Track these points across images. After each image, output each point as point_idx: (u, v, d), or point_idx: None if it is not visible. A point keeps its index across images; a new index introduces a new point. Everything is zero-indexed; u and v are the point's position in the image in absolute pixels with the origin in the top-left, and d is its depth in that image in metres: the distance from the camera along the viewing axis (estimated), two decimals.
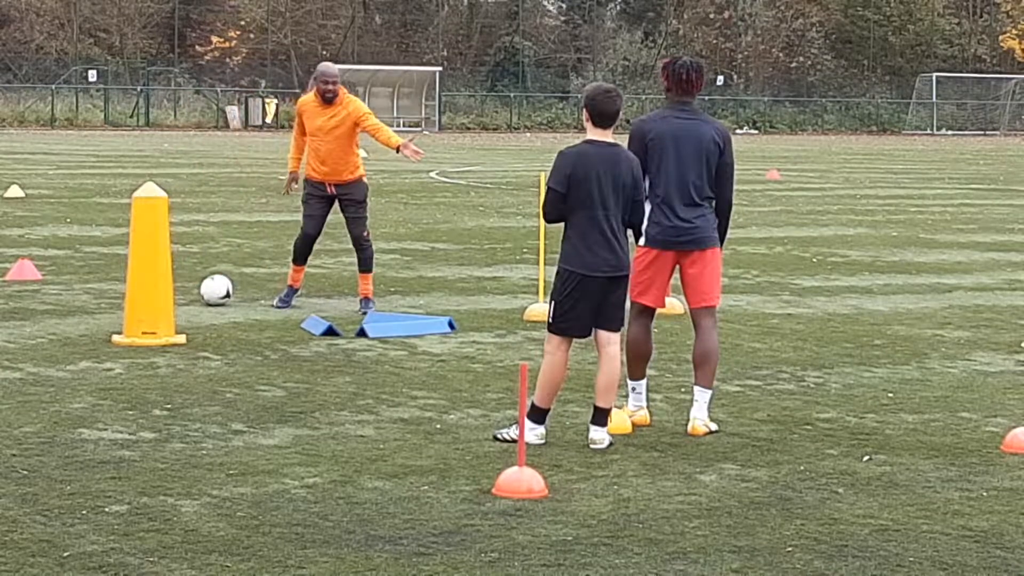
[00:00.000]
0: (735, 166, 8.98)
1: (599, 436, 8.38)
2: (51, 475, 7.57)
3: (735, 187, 9.11)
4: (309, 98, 13.44)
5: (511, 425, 8.60)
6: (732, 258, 18.20)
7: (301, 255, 13.65)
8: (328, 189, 13.47)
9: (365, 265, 13.54)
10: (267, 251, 17.91)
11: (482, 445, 8.40)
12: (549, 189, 8.34)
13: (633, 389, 9.05)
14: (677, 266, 9.00)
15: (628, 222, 8.45)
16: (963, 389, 10.34)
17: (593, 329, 8.44)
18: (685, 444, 8.57)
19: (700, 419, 8.83)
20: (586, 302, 8.30)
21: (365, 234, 13.56)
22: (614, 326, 8.45)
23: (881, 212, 26.23)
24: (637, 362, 9.04)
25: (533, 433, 8.34)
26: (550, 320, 8.42)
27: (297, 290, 13.76)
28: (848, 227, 23.00)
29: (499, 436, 8.49)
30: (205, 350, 11.29)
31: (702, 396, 8.89)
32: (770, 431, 8.91)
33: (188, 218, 22.24)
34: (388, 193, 28.84)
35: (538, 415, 8.42)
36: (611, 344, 8.43)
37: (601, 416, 8.40)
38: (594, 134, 8.36)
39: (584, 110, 8.42)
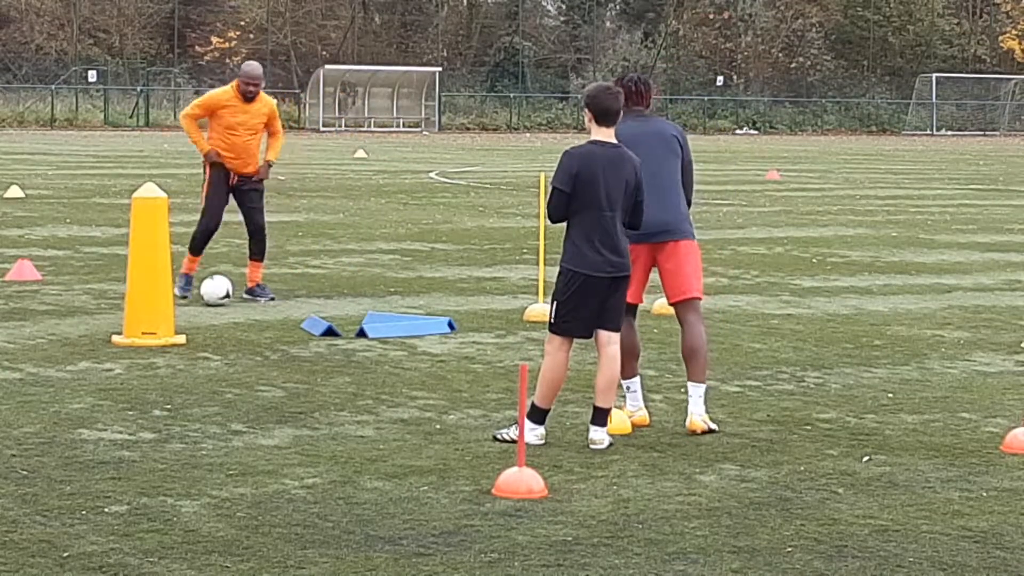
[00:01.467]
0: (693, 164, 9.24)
1: (599, 436, 8.37)
2: (51, 475, 7.57)
3: (694, 185, 9.29)
4: (228, 94, 13.90)
5: (511, 425, 8.60)
6: (732, 258, 18.21)
7: (201, 246, 14.16)
8: (232, 179, 13.93)
9: (261, 255, 14.14)
10: (267, 251, 17.86)
11: (482, 445, 8.40)
12: (554, 189, 8.32)
13: (628, 388, 9.04)
14: (656, 265, 9.05)
15: (628, 223, 8.44)
16: (963, 389, 10.34)
17: (594, 329, 8.44)
18: (685, 444, 8.57)
19: (698, 414, 8.83)
20: (589, 302, 8.30)
21: (264, 224, 14.22)
22: (614, 326, 8.44)
23: (881, 212, 26.23)
24: (626, 360, 9.03)
25: (533, 433, 8.34)
26: (552, 320, 8.42)
27: (192, 278, 14.05)
28: (848, 227, 23.00)
29: (499, 436, 8.49)
30: (205, 350, 11.29)
31: (696, 391, 8.90)
32: (770, 431, 8.91)
33: (188, 218, 22.16)
34: (388, 193, 28.84)
35: (538, 415, 8.42)
36: (611, 344, 8.43)
37: (601, 416, 8.40)
38: (599, 134, 8.37)
39: (586, 110, 8.43)
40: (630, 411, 8.99)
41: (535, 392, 8.45)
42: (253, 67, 13.96)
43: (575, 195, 8.25)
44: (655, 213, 8.83)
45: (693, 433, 8.79)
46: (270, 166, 14.12)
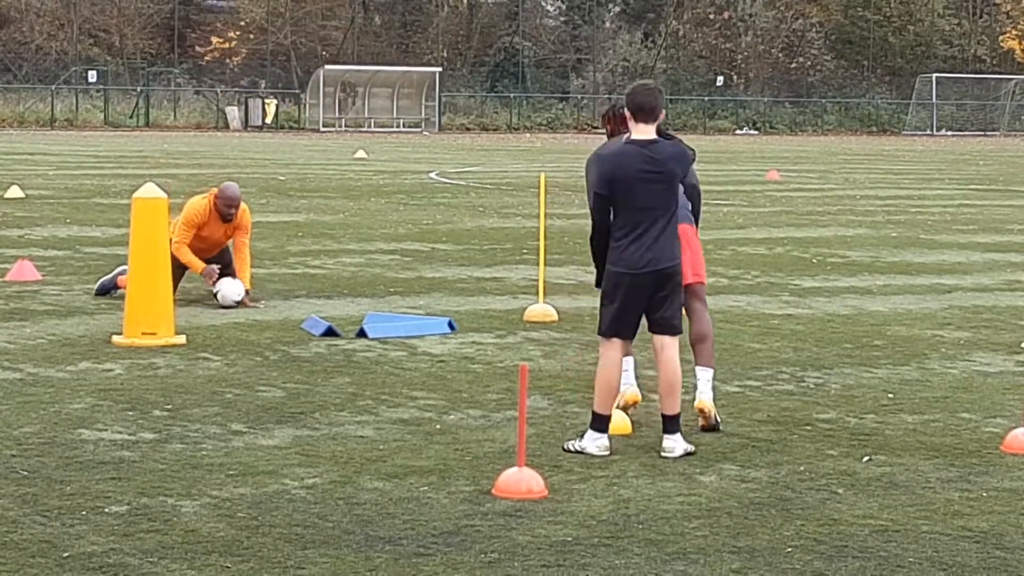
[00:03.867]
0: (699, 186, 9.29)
1: (670, 444, 8.24)
2: (51, 476, 7.57)
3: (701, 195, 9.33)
4: (205, 210, 13.49)
5: (580, 437, 8.44)
6: (732, 259, 18.21)
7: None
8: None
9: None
10: (267, 251, 17.90)
11: (482, 446, 8.40)
12: (594, 194, 8.29)
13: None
14: None
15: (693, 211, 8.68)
16: (963, 390, 10.34)
17: (652, 336, 8.40)
18: None
19: (706, 395, 8.84)
20: (634, 301, 8.25)
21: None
22: (665, 330, 8.35)
23: (881, 213, 26.22)
24: None
25: (596, 444, 8.18)
26: (601, 324, 8.36)
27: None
28: (848, 228, 23.00)
29: (567, 447, 8.36)
30: (205, 351, 11.29)
31: (704, 375, 8.94)
32: (770, 432, 8.91)
33: None
34: (388, 194, 28.85)
35: (600, 423, 8.24)
36: (665, 349, 8.32)
37: (672, 423, 8.25)
38: (636, 132, 8.29)
39: (625, 109, 8.36)
40: (621, 390, 8.95)
41: (594, 400, 8.35)
42: (232, 189, 13.55)
43: (615, 197, 8.21)
44: None
45: (701, 412, 8.81)
46: (248, 294, 13.56)
